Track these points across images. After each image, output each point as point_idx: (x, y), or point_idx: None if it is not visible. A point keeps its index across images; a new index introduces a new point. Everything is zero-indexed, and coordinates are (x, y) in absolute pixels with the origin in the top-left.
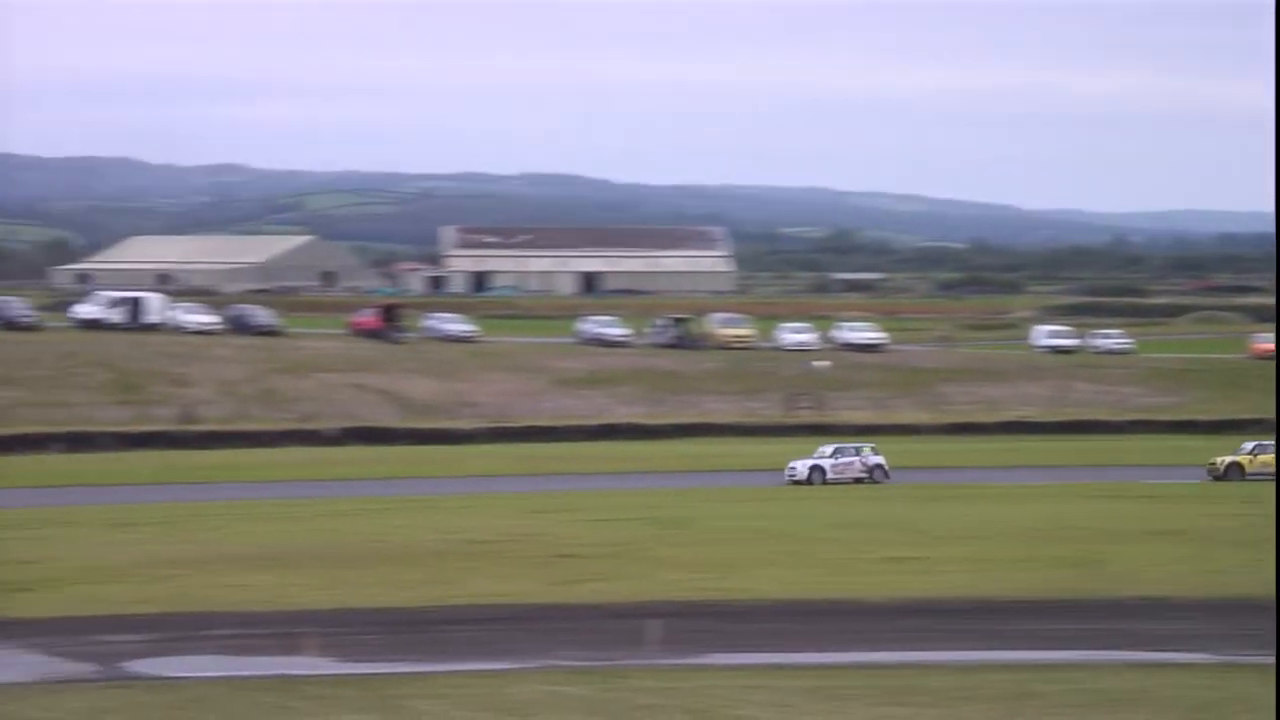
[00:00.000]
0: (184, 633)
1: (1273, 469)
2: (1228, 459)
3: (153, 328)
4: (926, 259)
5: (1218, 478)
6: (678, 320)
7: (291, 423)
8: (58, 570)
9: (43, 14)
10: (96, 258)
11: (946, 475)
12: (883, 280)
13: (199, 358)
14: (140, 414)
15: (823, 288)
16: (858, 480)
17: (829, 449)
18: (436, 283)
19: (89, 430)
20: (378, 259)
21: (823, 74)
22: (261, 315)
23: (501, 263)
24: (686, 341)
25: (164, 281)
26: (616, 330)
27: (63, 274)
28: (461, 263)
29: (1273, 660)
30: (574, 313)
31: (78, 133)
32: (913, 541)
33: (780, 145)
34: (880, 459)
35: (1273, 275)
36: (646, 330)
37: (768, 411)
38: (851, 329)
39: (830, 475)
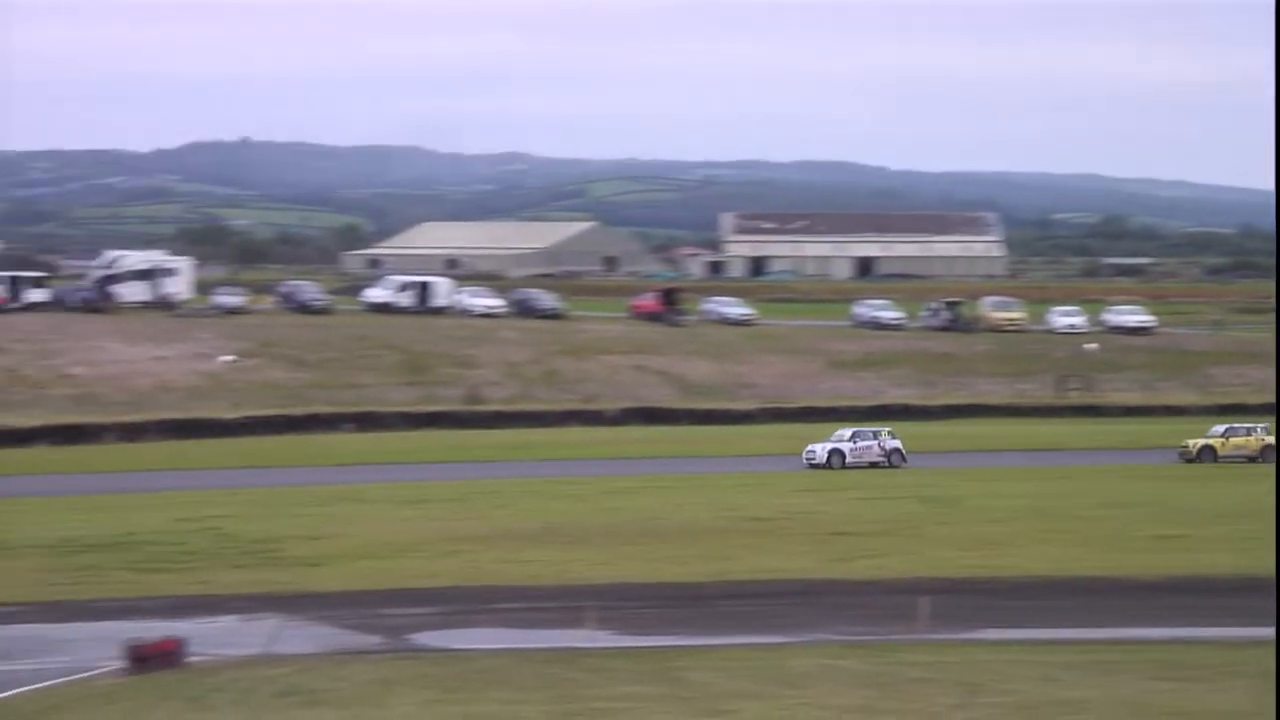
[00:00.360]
0: (470, 606)
1: (1245, 451)
2: (1200, 442)
3: (440, 311)
4: (1194, 244)
5: (1189, 460)
6: (950, 304)
7: (574, 403)
8: (349, 545)
9: (339, 10)
10: (386, 243)
11: None
12: (1152, 265)
13: (485, 340)
14: (428, 395)
15: (1093, 272)
16: (873, 464)
17: (847, 432)
18: (715, 267)
19: (378, 410)
20: (658, 244)
21: (1094, 61)
22: (545, 299)
23: (778, 248)
24: (959, 325)
25: (451, 266)
26: (890, 314)
27: (354, 259)
28: (739, 248)
29: None
30: (849, 297)
31: (369, 123)
32: (1179, 520)
33: (1052, 132)
34: (898, 443)
35: None
36: (920, 314)
37: (1038, 393)
38: (1121, 312)
39: (849, 459)
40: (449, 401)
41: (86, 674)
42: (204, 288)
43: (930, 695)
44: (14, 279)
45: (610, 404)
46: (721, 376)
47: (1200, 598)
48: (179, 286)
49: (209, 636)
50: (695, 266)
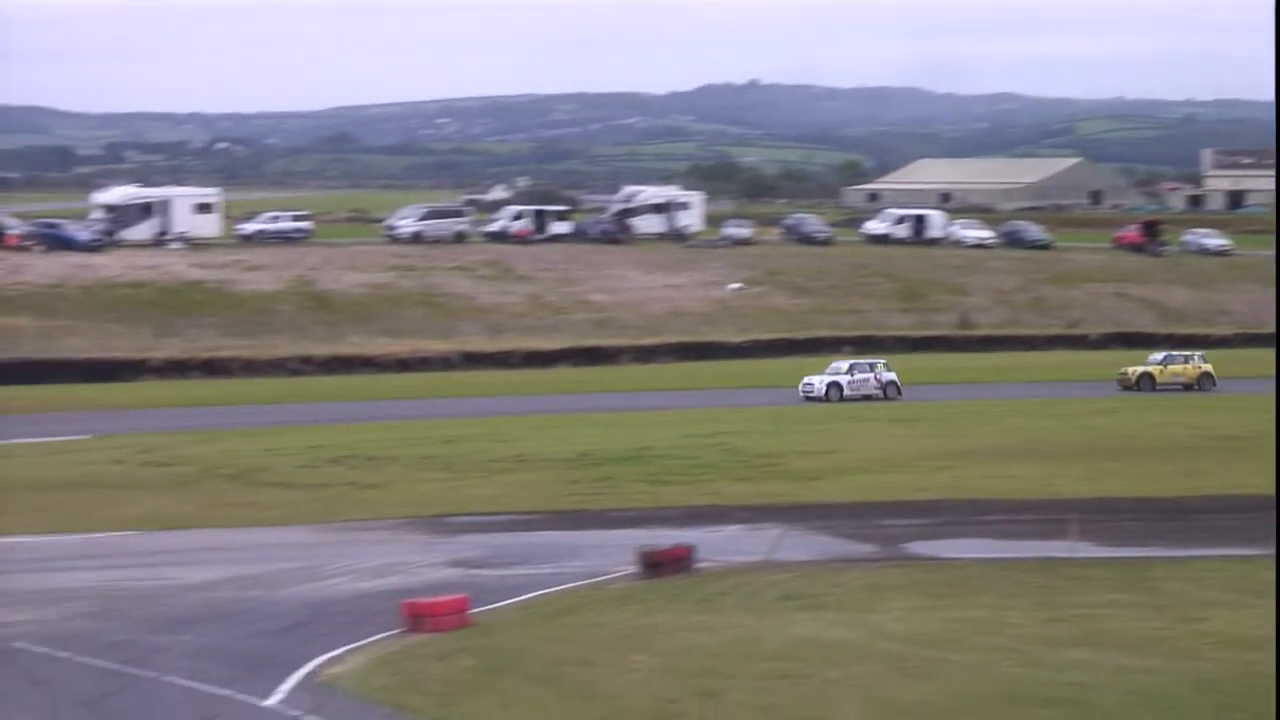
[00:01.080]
0: (957, 518)
1: (1182, 379)
2: (1139, 369)
3: (934, 242)
4: None
5: (1128, 388)
6: None
7: (1058, 328)
8: (845, 460)
9: None
10: (884, 179)
11: None
12: None
13: (975, 269)
14: (921, 320)
15: None
16: (868, 397)
17: (844, 365)
18: (1195, 201)
19: (876, 335)
20: (1140, 179)
21: None
22: (1033, 231)
23: (1256, 182)
24: None
25: (944, 200)
26: None
27: (854, 194)
28: (1218, 182)
29: None
30: None
31: (868, 65)
32: None
33: None
34: (893, 375)
35: None
36: None
37: None
38: None
39: (847, 391)
40: (941, 326)
41: (602, 578)
42: (713, 221)
43: None
44: (539, 212)
45: (1093, 329)
46: (1199, 304)
47: None
48: (691, 219)
49: (716, 544)
50: (1175, 200)
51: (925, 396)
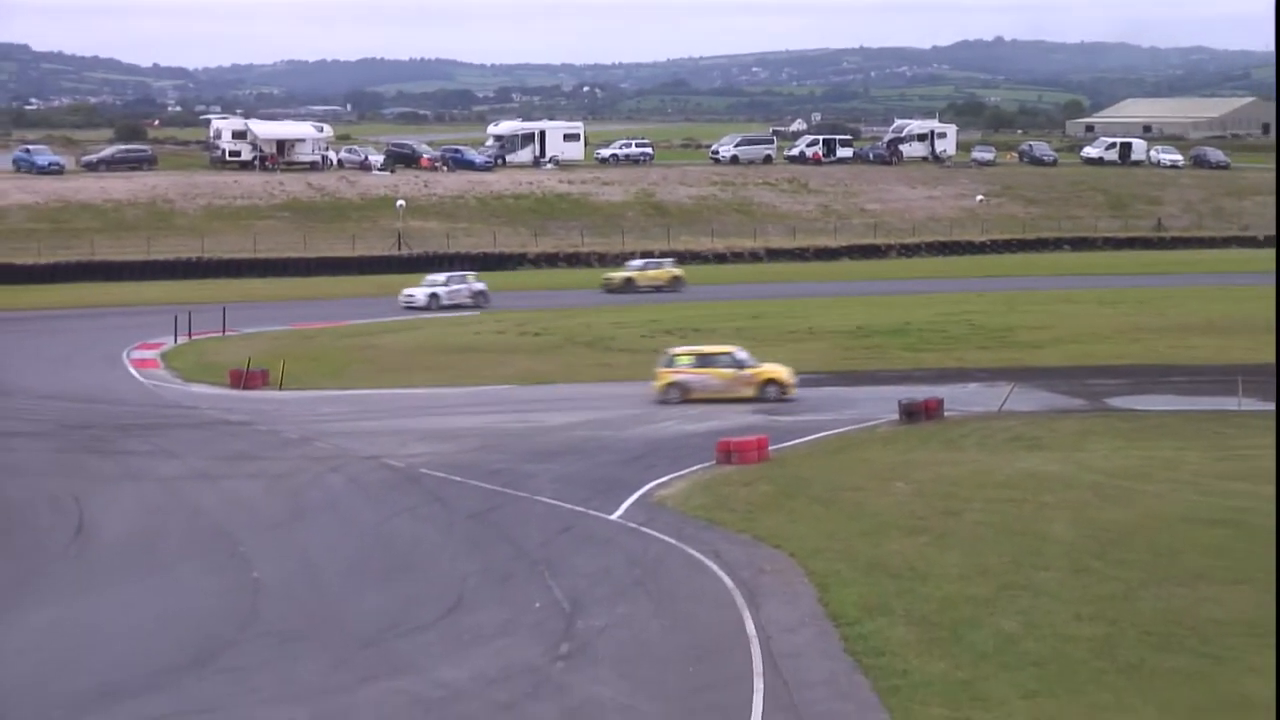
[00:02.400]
0: (1148, 379)
1: (657, 283)
2: (622, 274)
3: (1137, 164)
4: None
5: (612, 290)
6: None
7: (1233, 231)
8: (1062, 333)
9: None
10: (1099, 114)
11: None
12: None
13: (1168, 185)
14: (1125, 225)
15: None
16: (459, 305)
17: (441, 277)
18: None
19: (1089, 236)
20: None
21: None
22: (1216, 154)
23: None
24: None
25: (1146, 131)
26: None
27: (1074, 126)
28: None
29: None
30: None
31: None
32: None
33: None
34: (483, 285)
35: None
36: None
37: None
38: None
39: (445, 300)
40: (1141, 230)
41: (870, 423)
42: (964, 147)
43: None
44: (828, 140)
45: (1261, 232)
46: None
47: None
48: (946, 146)
49: (959, 398)
50: None
51: (1126, 284)
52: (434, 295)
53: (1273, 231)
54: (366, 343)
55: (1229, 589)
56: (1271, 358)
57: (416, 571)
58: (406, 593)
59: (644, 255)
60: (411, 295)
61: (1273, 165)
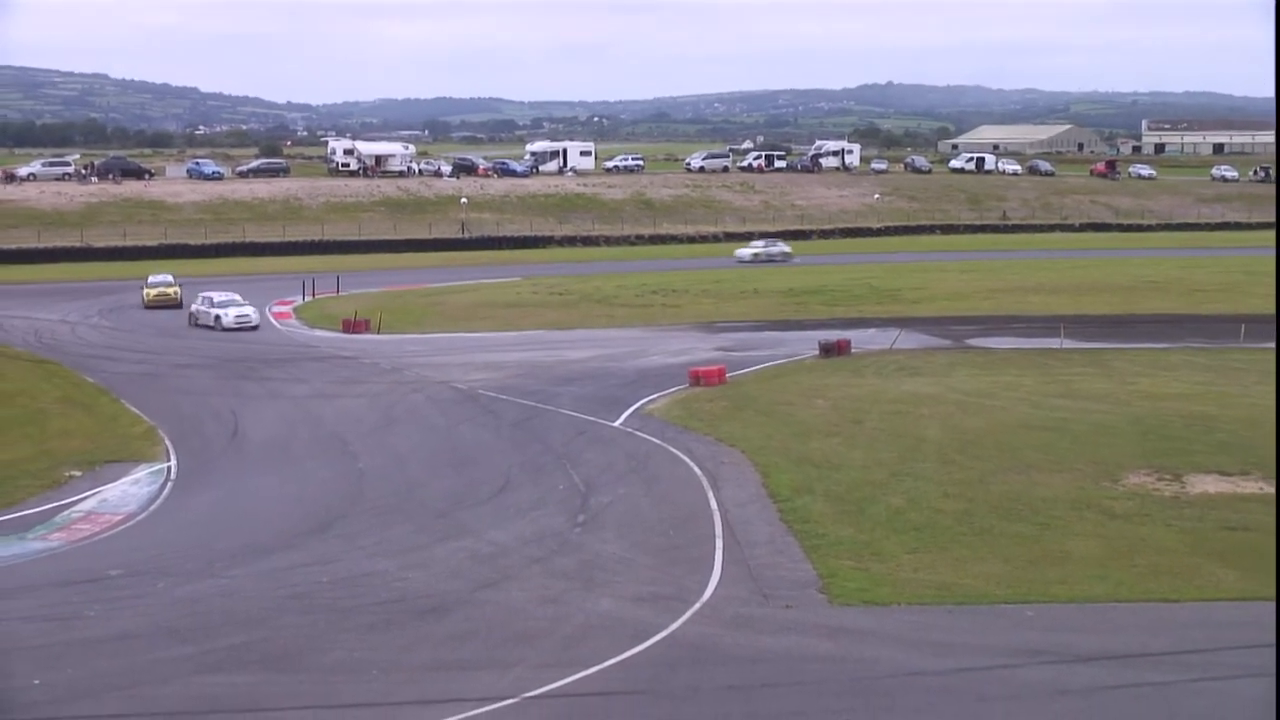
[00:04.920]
0: (996, 325)
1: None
2: (750, 250)
3: (989, 172)
4: None
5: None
6: None
7: (1057, 220)
8: (935, 293)
9: None
10: (961, 137)
11: None
12: None
13: (1010, 187)
14: (979, 215)
15: None
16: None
17: (760, 242)
18: (1136, 149)
19: (953, 224)
20: (1106, 137)
21: None
22: (1044, 165)
23: (1170, 137)
24: None
25: (995, 148)
26: (1232, 172)
27: (944, 145)
28: (1150, 138)
29: None
30: None
31: (955, 71)
32: None
33: None
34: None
35: None
36: None
37: None
38: None
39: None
40: (991, 219)
41: (798, 357)
42: (866, 160)
43: (1244, 377)
44: (768, 155)
45: (1079, 219)
46: (1136, 206)
47: None
48: (853, 159)
49: (861, 339)
50: (1126, 148)
51: (980, 258)
52: None
53: (1087, 220)
54: (438, 300)
55: (1054, 475)
56: (1084, 310)
57: (475, 463)
58: (468, 478)
59: (638, 236)
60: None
61: (1083, 174)
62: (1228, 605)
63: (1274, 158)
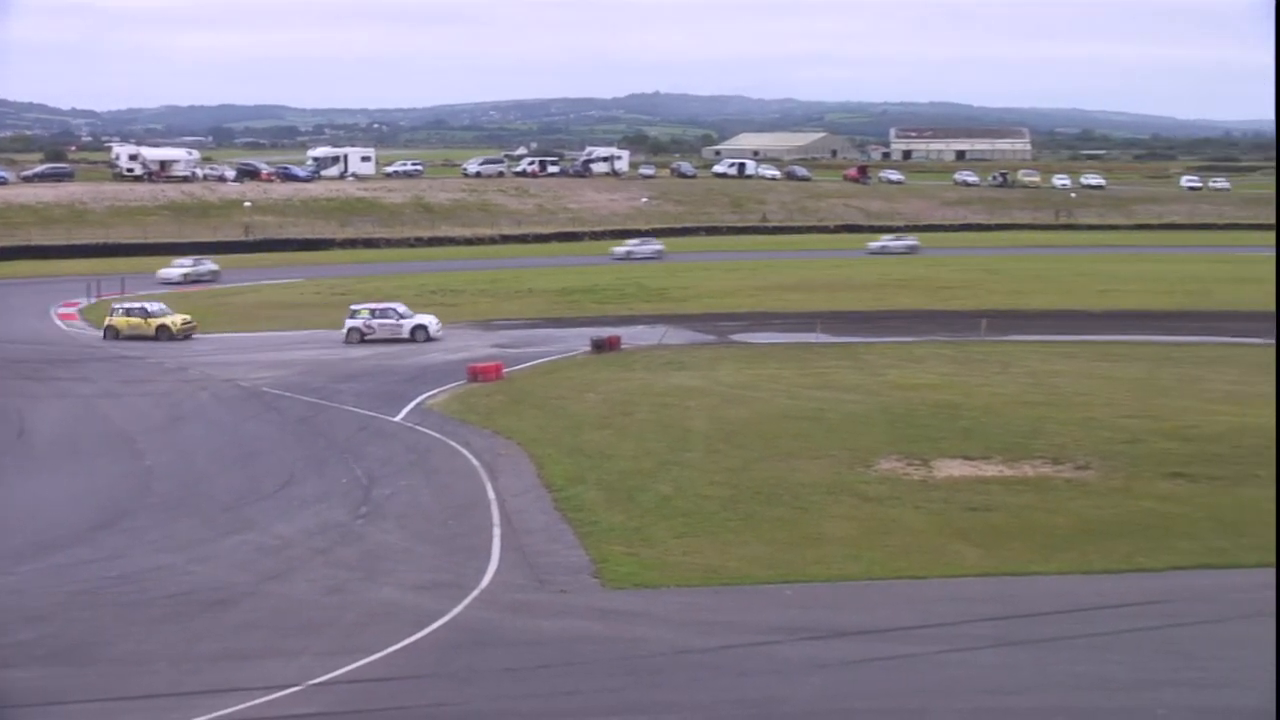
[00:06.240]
0: (758, 321)
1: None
2: (624, 248)
3: (749, 176)
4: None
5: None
6: (1003, 174)
7: (813, 222)
8: (701, 291)
9: None
10: (724, 143)
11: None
12: (1104, 155)
13: (769, 191)
14: (742, 217)
15: (1075, 158)
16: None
17: (635, 240)
18: (885, 155)
19: (718, 226)
20: (858, 144)
21: None
22: (801, 170)
23: (913, 144)
24: (1007, 184)
25: (755, 154)
26: (973, 177)
27: (708, 151)
28: (898, 145)
29: None
30: (950, 170)
31: (718, 82)
32: (1114, 284)
33: None
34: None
35: None
36: (987, 179)
37: (1044, 218)
38: (1089, 178)
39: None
40: (752, 220)
41: (571, 353)
42: (634, 166)
43: (984, 368)
44: (542, 161)
45: (833, 221)
46: (887, 209)
47: (1126, 320)
48: (622, 165)
49: (631, 335)
50: (876, 155)
51: (743, 258)
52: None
53: (841, 222)
54: (223, 301)
55: (811, 462)
56: (838, 306)
57: (260, 458)
58: (253, 473)
59: (417, 239)
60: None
61: (837, 179)
62: (971, 581)
63: (998, 165)
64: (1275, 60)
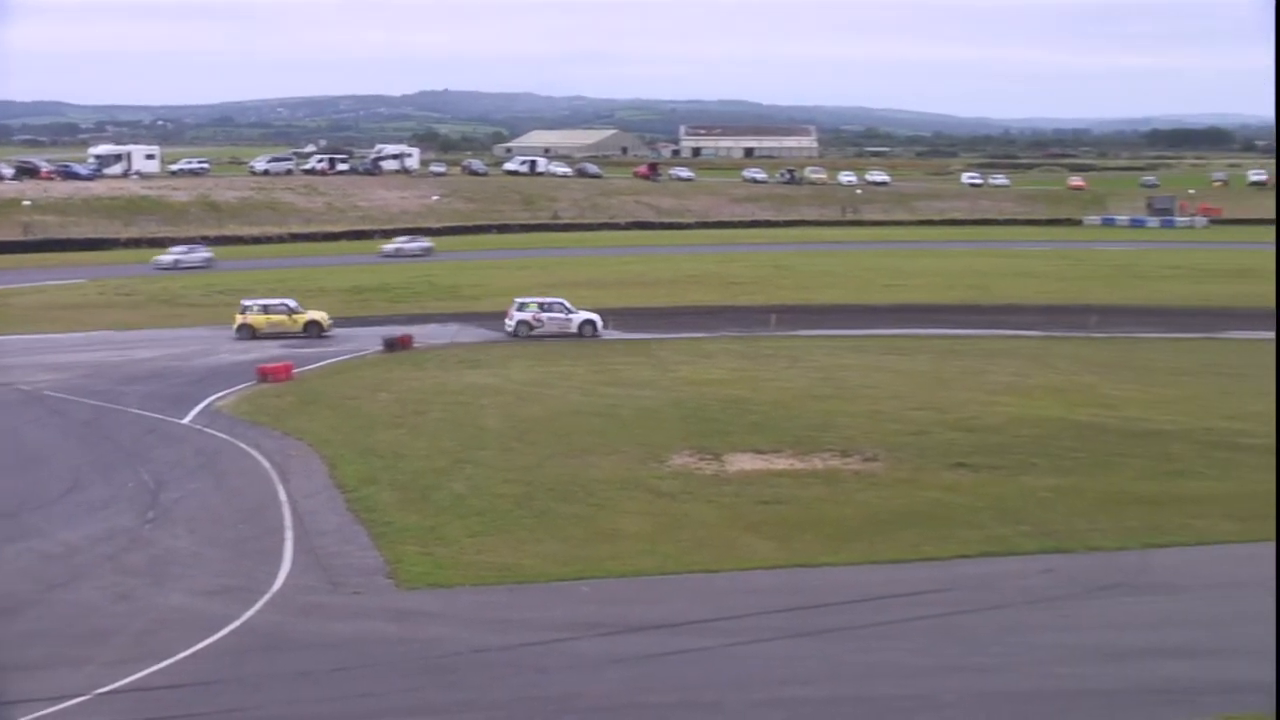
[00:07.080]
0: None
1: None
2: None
3: (540, 174)
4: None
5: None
6: (790, 170)
7: (605, 219)
8: (492, 289)
9: None
10: (515, 141)
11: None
12: (889, 151)
13: (562, 188)
14: (534, 215)
15: (860, 155)
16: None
17: (404, 238)
18: (675, 153)
19: (509, 223)
20: (648, 141)
21: None
22: (592, 168)
23: (703, 141)
24: (794, 180)
25: (546, 152)
26: (762, 174)
27: (499, 149)
28: (687, 142)
29: None
30: (740, 166)
31: (511, 78)
32: (900, 279)
33: None
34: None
35: None
36: (775, 175)
37: (833, 214)
38: (875, 175)
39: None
40: (544, 217)
41: (363, 353)
42: (425, 164)
43: (774, 362)
44: (331, 159)
45: (625, 219)
46: (677, 207)
47: (910, 314)
48: (412, 162)
49: (423, 334)
50: (666, 152)
51: (533, 255)
52: None
53: (633, 219)
54: (1, 302)
55: (605, 458)
56: (624, 303)
57: (43, 463)
58: (36, 478)
59: (204, 238)
60: None
61: (627, 176)
62: (762, 573)
63: (786, 162)
64: (1275, 60)
